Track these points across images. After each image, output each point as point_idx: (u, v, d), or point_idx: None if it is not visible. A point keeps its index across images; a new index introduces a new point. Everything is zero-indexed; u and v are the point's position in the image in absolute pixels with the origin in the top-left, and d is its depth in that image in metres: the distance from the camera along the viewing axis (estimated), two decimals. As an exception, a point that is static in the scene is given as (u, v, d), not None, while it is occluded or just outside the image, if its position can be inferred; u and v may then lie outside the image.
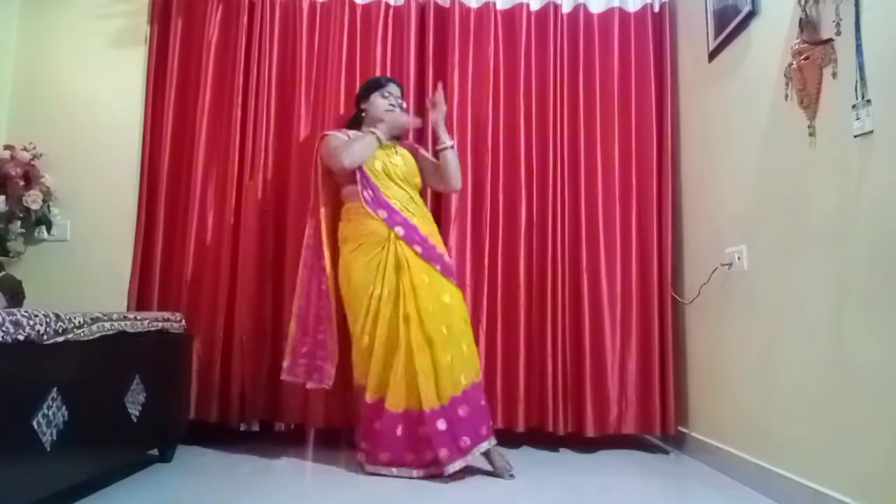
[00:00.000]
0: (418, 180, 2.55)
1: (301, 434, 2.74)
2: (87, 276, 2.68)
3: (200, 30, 2.81)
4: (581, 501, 2.07)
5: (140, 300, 2.67)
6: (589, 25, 2.90)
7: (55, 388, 1.57)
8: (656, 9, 2.92)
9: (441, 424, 2.16)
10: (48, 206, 2.71)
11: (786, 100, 1.98)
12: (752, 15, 2.22)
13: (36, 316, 1.51)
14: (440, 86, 2.57)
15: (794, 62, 1.91)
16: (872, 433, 1.60)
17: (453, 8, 2.83)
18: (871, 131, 1.63)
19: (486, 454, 2.24)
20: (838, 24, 1.74)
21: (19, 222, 2.66)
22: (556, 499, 2.06)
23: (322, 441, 2.70)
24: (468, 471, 2.20)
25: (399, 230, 2.35)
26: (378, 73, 2.77)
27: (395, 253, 2.32)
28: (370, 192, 2.38)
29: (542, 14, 2.89)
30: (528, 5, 2.88)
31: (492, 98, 2.82)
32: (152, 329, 2.16)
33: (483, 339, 2.68)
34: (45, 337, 1.54)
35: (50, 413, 1.55)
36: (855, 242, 1.69)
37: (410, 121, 2.59)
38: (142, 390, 2.03)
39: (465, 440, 2.18)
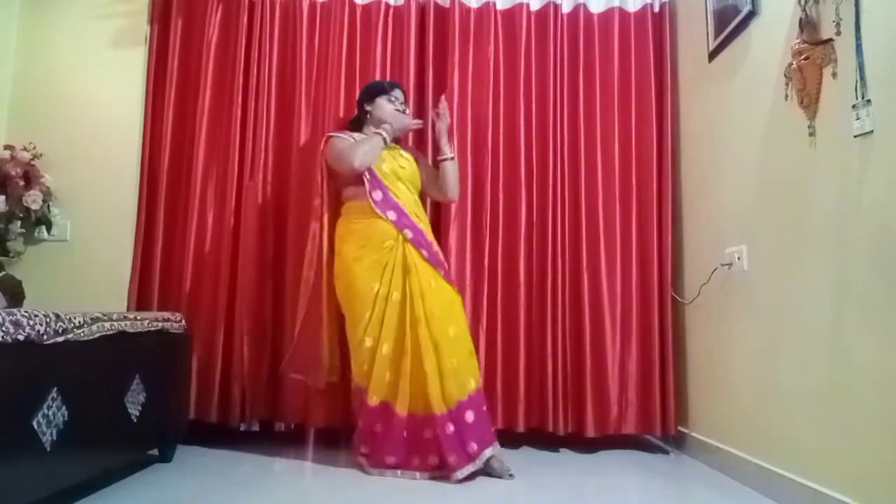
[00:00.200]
0: (420, 185, 2.56)
1: (301, 434, 2.74)
2: (87, 276, 2.68)
3: (200, 30, 2.81)
4: (581, 501, 2.07)
5: (140, 300, 2.67)
6: (589, 25, 2.90)
7: (55, 388, 1.57)
8: (656, 9, 2.92)
9: (450, 428, 2.16)
10: (48, 206, 2.70)
11: (786, 100, 1.98)
12: (752, 15, 2.22)
13: (36, 316, 1.51)
14: (444, 98, 2.59)
15: (794, 62, 1.91)
16: (872, 433, 1.60)
17: (453, 8, 2.83)
18: (871, 131, 1.63)
19: (487, 461, 2.21)
20: (838, 24, 1.74)
21: (19, 222, 2.65)
22: (557, 499, 2.06)
23: (322, 441, 2.70)
24: (468, 471, 2.20)
25: (408, 233, 2.35)
26: (378, 73, 2.78)
27: (404, 256, 2.32)
28: (380, 192, 2.37)
29: (542, 14, 2.89)
30: (528, 5, 2.88)
31: (492, 98, 2.82)
32: (152, 329, 2.16)
33: (483, 339, 2.68)
34: (45, 337, 1.54)
35: (50, 413, 1.55)
36: (855, 242, 1.69)
37: (414, 123, 2.59)
38: (142, 390, 2.03)
39: (473, 446, 2.17)
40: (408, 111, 2.59)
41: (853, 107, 1.68)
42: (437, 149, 2.59)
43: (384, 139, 2.40)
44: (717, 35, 2.47)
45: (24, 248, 2.72)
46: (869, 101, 1.64)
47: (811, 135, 1.87)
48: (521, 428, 2.62)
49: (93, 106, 2.80)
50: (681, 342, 2.75)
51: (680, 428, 2.69)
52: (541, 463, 2.48)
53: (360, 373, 2.32)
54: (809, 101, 1.87)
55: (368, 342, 2.27)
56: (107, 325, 1.84)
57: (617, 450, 2.67)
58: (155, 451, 2.28)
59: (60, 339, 1.60)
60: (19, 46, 2.84)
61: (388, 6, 2.86)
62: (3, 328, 1.40)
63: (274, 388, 2.63)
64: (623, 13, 2.91)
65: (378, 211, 2.34)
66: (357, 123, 2.58)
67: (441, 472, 2.16)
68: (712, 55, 2.52)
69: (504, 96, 2.84)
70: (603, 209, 2.79)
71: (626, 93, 2.87)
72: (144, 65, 2.81)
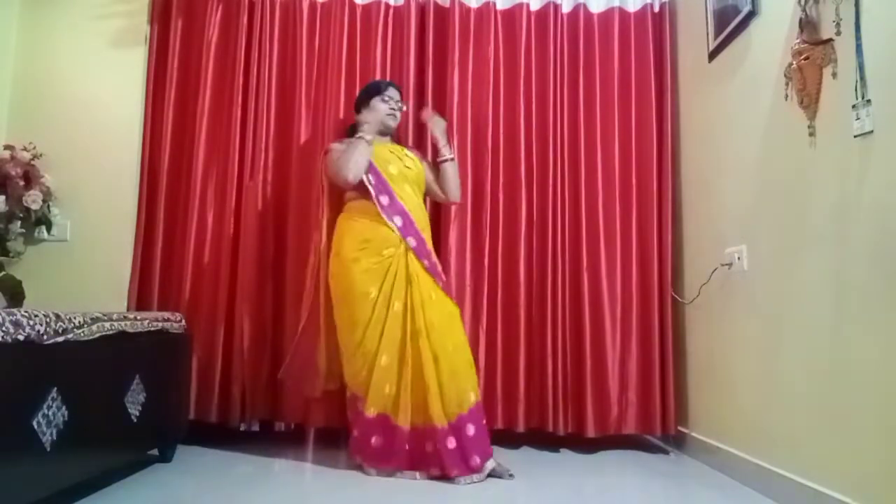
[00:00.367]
0: (425, 185, 2.56)
1: (301, 434, 2.74)
2: (87, 276, 2.68)
3: (200, 30, 2.81)
4: (581, 501, 2.07)
5: (140, 300, 2.67)
6: (589, 25, 2.90)
7: (55, 388, 1.57)
8: (656, 9, 2.92)
9: (451, 443, 2.16)
10: (48, 206, 2.70)
11: (786, 100, 1.98)
12: (752, 15, 2.22)
13: (36, 316, 1.51)
14: (426, 109, 2.62)
15: (794, 62, 1.91)
16: (872, 433, 1.60)
17: (453, 8, 2.83)
18: (871, 131, 1.63)
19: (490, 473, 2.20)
20: (838, 24, 1.74)
21: (19, 222, 2.65)
22: (557, 499, 2.06)
23: (322, 441, 2.70)
24: (468, 471, 2.19)
25: (411, 241, 2.33)
26: (378, 73, 2.78)
27: (406, 265, 2.30)
28: (387, 197, 2.35)
29: (542, 14, 2.89)
30: (528, 5, 2.88)
31: (492, 98, 2.82)
32: (152, 329, 2.16)
33: (483, 339, 2.68)
34: (45, 337, 1.54)
35: (50, 413, 1.55)
36: (855, 242, 1.69)
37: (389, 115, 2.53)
38: (142, 390, 2.03)
39: (476, 459, 2.17)
40: (404, 108, 2.58)
41: (853, 107, 1.68)
42: (436, 150, 2.59)
43: (366, 141, 2.35)
44: (717, 35, 2.47)
45: (24, 248, 2.72)
46: (869, 101, 1.64)
47: (811, 135, 1.87)
48: (521, 428, 2.62)
49: (93, 106, 2.80)
50: (681, 342, 2.75)
51: (680, 428, 2.69)
52: (541, 463, 2.48)
53: (355, 381, 2.28)
54: (809, 101, 1.87)
55: (366, 348, 2.24)
56: (107, 325, 1.84)
57: (617, 450, 2.67)
58: (155, 451, 2.28)
59: (60, 339, 1.60)
60: (19, 46, 2.84)
61: (388, 6, 2.86)
62: (3, 328, 1.40)
63: (274, 388, 2.62)
64: (623, 13, 2.91)
65: (384, 216, 2.32)
66: (356, 129, 2.56)
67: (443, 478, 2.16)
68: (712, 55, 2.52)
69: (504, 96, 2.84)
70: (603, 209, 2.79)
71: (626, 93, 2.87)
72: (144, 65, 2.81)
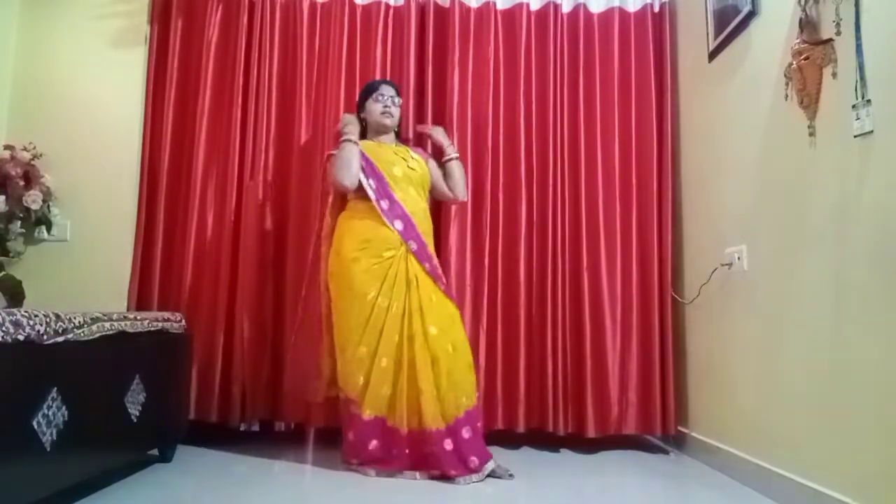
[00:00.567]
0: (430, 186, 2.55)
1: (301, 434, 2.74)
2: (87, 276, 2.68)
3: (200, 30, 2.81)
4: (581, 502, 2.07)
5: (140, 300, 2.67)
6: (589, 25, 2.90)
7: (55, 388, 1.57)
8: (656, 9, 2.92)
9: (448, 445, 2.16)
10: (48, 206, 2.70)
11: (786, 100, 1.98)
12: (752, 15, 2.22)
13: (36, 316, 1.51)
14: (421, 125, 2.69)
15: (794, 62, 1.91)
16: (872, 433, 1.60)
17: (453, 8, 2.83)
18: (871, 131, 1.63)
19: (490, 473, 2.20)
20: (838, 24, 1.74)
21: (19, 222, 2.65)
22: (557, 499, 2.06)
23: (322, 441, 2.70)
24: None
25: (412, 244, 2.33)
26: (378, 74, 2.78)
27: (407, 268, 2.30)
28: (387, 201, 2.35)
29: (542, 14, 2.89)
30: (528, 5, 2.88)
31: (492, 98, 2.82)
32: (152, 329, 2.16)
33: (483, 339, 2.68)
34: (45, 337, 1.54)
35: (50, 413, 1.55)
36: (855, 242, 1.69)
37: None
38: (142, 390, 2.03)
39: (474, 460, 2.17)
40: (399, 102, 2.57)
41: (853, 107, 1.68)
42: (439, 151, 2.61)
43: (352, 142, 2.36)
44: (717, 35, 2.47)
45: (24, 248, 2.72)
46: (869, 101, 1.64)
47: (811, 135, 1.87)
48: (521, 428, 2.62)
49: (93, 106, 2.80)
50: (681, 342, 2.75)
51: (680, 428, 2.69)
52: (541, 463, 2.48)
53: (350, 383, 2.26)
54: (809, 101, 1.87)
55: (363, 350, 2.23)
56: (107, 325, 1.84)
57: (617, 450, 2.67)
58: (155, 451, 2.28)
59: (60, 339, 1.60)
60: (19, 46, 2.84)
61: (388, 6, 2.86)
62: (3, 328, 1.40)
63: (274, 388, 2.63)
64: (623, 13, 2.91)
65: (385, 219, 2.32)
66: (361, 134, 2.56)
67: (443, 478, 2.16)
68: (712, 55, 2.52)
69: (504, 96, 2.84)
70: (603, 209, 2.79)
71: (626, 93, 2.87)
72: (144, 65, 2.81)
